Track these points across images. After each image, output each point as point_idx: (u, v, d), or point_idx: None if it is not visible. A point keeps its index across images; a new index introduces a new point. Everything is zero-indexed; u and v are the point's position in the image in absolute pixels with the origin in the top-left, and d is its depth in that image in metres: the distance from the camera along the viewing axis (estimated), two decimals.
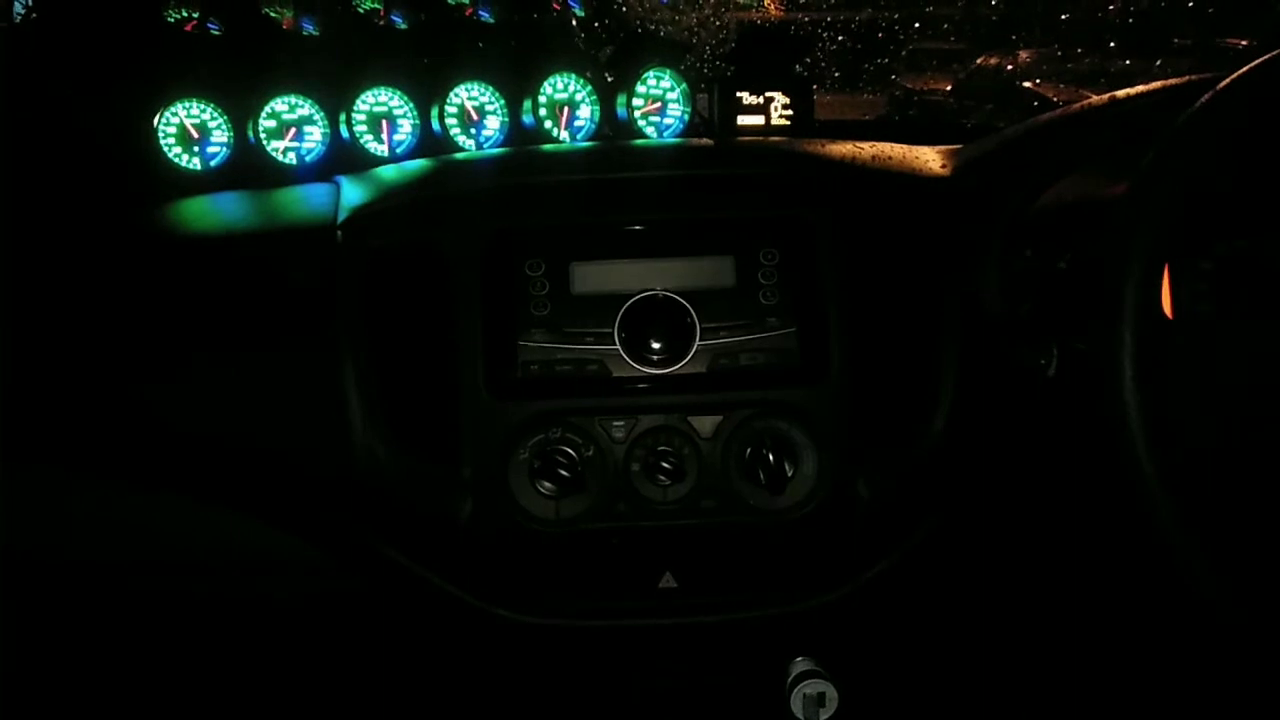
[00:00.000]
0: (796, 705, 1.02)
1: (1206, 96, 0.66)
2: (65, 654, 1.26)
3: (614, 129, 1.33)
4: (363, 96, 1.30)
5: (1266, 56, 0.66)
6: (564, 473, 0.96)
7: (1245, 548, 0.63)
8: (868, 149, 1.12)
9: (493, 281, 1.00)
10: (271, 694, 1.32)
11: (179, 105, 1.27)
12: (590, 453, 0.98)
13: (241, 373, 0.99)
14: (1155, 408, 0.62)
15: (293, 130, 1.30)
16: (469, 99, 1.32)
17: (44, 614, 1.18)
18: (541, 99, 1.31)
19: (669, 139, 1.33)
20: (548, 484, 0.97)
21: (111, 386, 0.99)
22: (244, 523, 1.04)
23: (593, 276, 1.00)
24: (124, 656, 1.29)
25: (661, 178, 1.11)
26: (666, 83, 1.33)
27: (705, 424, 0.99)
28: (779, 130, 1.30)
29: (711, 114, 1.30)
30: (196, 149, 1.28)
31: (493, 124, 1.33)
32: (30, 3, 1.40)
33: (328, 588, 1.15)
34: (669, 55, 1.35)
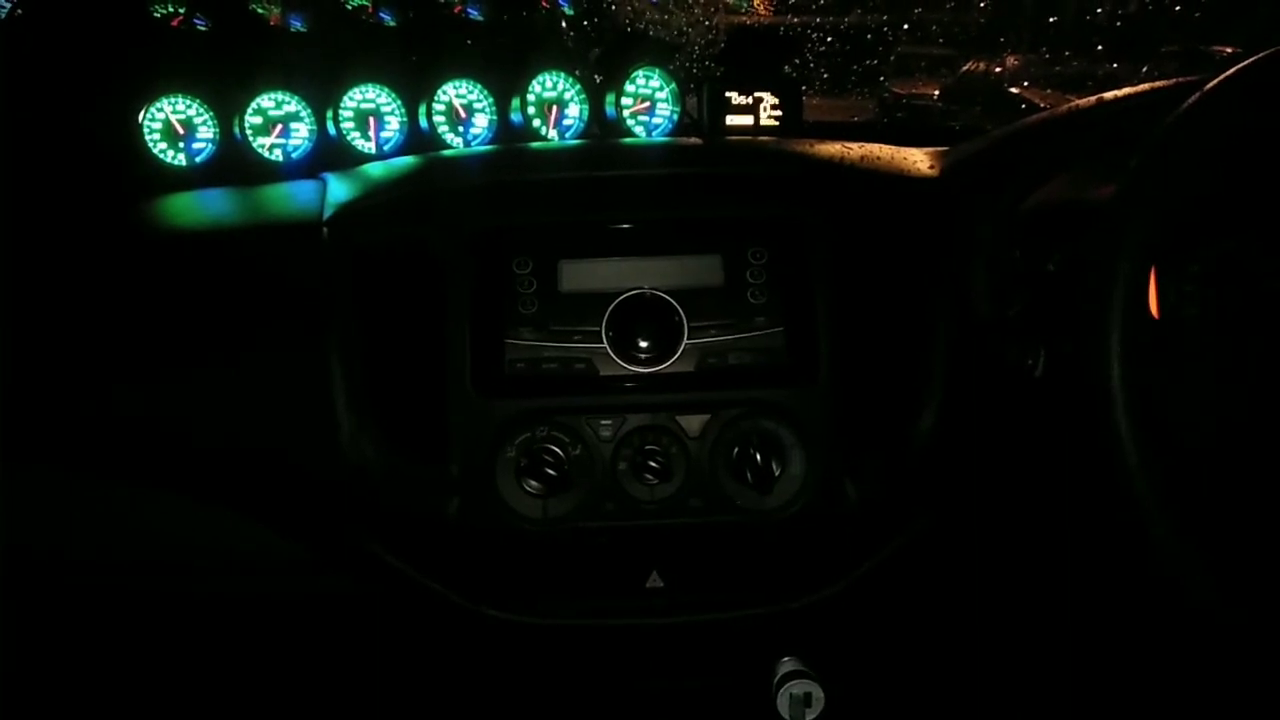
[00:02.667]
0: (783, 705, 1.02)
1: (1193, 98, 0.66)
2: (65, 654, 1.25)
3: (603, 128, 1.33)
4: (350, 93, 1.29)
5: (1252, 59, 0.66)
6: (551, 471, 0.96)
7: (1237, 548, 0.63)
8: (856, 149, 1.13)
9: (480, 279, 0.99)
10: (263, 694, 1.31)
11: (164, 101, 1.25)
12: (577, 451, 0.98)
13: (227, 371, 0.99)
14: (1143, 409, 0.62)
15: (279, 127, 1.29)
16: (457, 97, 1.31)
17: (44, 614, 1.17)
18: (530, 97, 1.31)
19: (658, 138, 1.33)
20: (534, 483, 0.97)
21: (96, 384, 0.98)
22: (236, 523, 1.03)
23: (580, 274, 1.00)
24: (122, 656, 1.28)
25: (650, 176, 1.10)
26: (656, 82, 1.33)
27: (693, 423, 0.99)
28: (768, 130, 1.30)
29: (700, 114, 1.30)
30: (182, 145, 1.26)
31: (481, 122, 1.32)
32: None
33: (318, 587, 1.14)
34: (658, 55, 1.34)
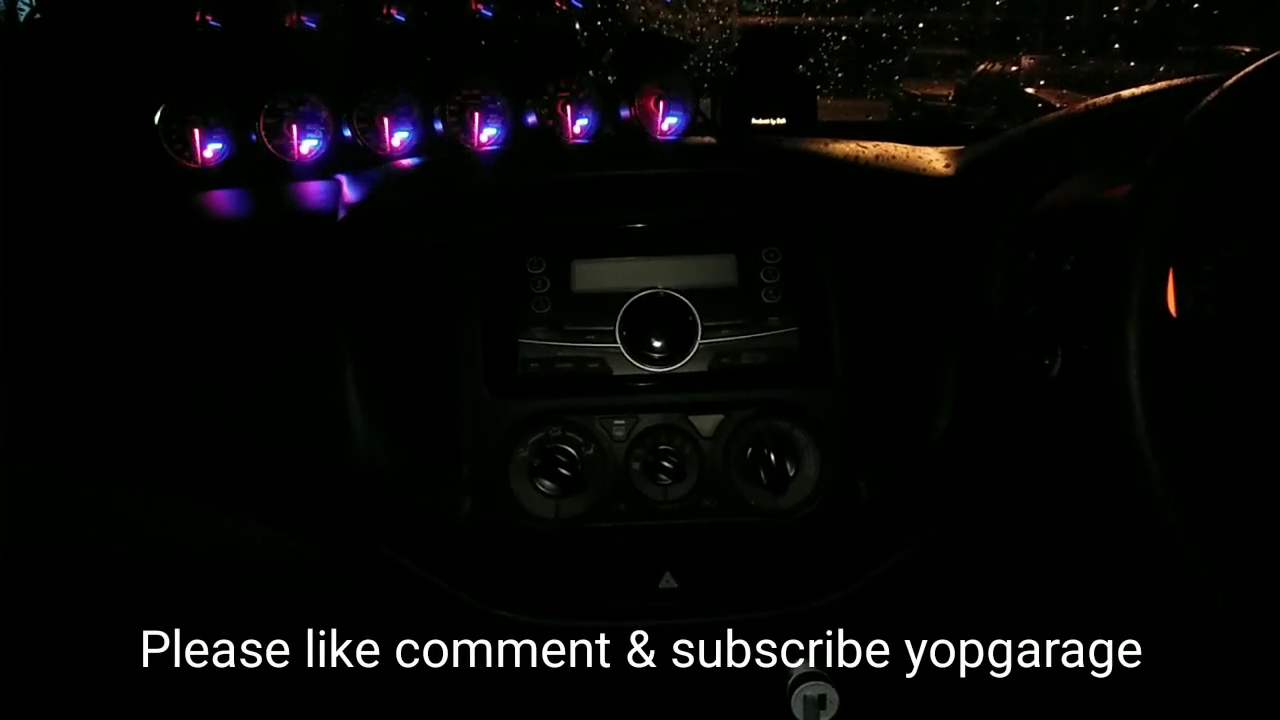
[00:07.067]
0: (797, 707, 1.01)
1: (1211, 97, 0.66)
2: (65, 653, 1.26)
3: (616, 128, 1.33)
4: (365, 94, 1.29)
5: (1269, 57, 0.66)
6: (564, 471, 0.95)
7: (1252, 550, 0.62)
8: (871, 148, 1.12)
9: (494, 279, 0.99)
10: (270, 693, 1.31)
11: (180, 102, 1.26)
12: (590, 451, 0.98)
13: (239, 370, 0.99)
14: (1160, 408, 0.61)
15: (295, 127, 1.29)
16: (471, 97, 1.31)
17: (44, 614, 1.18)
18: (544, 98, 1.31)
19: (671, 138, 1.32)
20: (548, 483, 0.97)
21: (109, 383, 0.99)
22: (244, 522, 1.03)
23: (594, 274, 1.00)
24: (123, 656, 1.29)
25: (664, 176, 1.11)
26: (669, 82, 1.33)
27: (706, 423, 0.99)
28: (782, 130, 1.30)
29: (714, 114, 1.30)
30: (198, 145, 1.27)
31: (495, 123, 1.32)
32: (34, 2, 1.40)
33: (328, 588, 1.14)
34: (672, 55, 1.34)
